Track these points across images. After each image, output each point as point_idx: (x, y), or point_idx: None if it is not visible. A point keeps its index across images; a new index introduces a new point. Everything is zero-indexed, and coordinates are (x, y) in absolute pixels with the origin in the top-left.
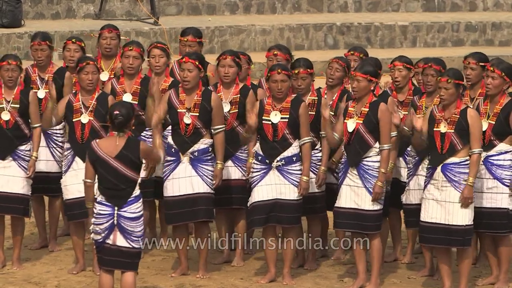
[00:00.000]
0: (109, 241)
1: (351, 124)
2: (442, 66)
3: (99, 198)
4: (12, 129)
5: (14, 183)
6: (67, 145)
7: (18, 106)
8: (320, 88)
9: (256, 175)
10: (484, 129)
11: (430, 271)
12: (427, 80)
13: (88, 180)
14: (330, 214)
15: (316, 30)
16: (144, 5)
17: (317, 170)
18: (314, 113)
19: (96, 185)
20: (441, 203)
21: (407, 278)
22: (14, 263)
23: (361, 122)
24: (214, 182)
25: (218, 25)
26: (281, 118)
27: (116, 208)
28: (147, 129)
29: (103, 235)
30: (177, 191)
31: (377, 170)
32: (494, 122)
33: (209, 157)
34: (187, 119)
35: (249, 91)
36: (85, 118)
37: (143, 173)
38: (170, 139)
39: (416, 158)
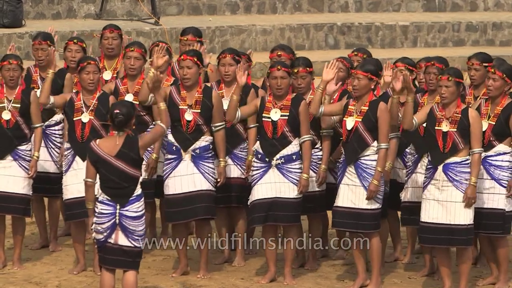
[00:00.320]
0: (111, 240)
1: (350, 122)
2: (445, 65)
3: (101, 197)
4: (12, 129)
5: (15, 183)
6: (66, 145)
7: (19, 105)
8: None
9: (256, 173)
10: (484, 129)
11: (430, 270)
12: (429, 78)
13: (89, 180)
14: (330, 214)
15: (316, 30)
16: (145, 5)
17: (317, 169)
18: None
19: (97, 185)
20: (442, 203)
21: (408, 278)
22: (15, 263)
23: (360, 120)
24: (216, 179)
25: (218, 25)
26: (281, 115)
27: (118, 207)
28: (147, 129)
29: (105, 234)
30: (179, 189)
31: (375, 168)
32: (494, 123)
33: (210, 155)
34: (188, 116)
35: (250, 89)
36: (85, 117)
37: (144, 174)
38: (170, 137)
39: (415, 156)
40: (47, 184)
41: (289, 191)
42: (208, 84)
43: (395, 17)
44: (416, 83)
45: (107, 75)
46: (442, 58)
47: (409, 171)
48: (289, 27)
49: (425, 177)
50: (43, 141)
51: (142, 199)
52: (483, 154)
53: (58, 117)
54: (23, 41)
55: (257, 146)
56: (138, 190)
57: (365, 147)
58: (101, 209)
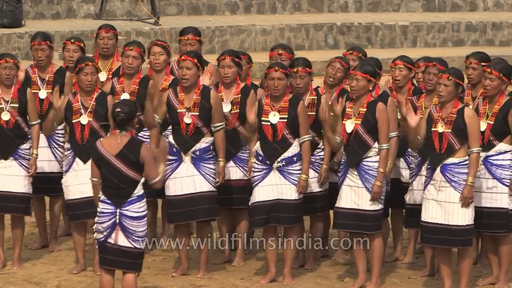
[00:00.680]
0: (111, 240)
1: (349, 125)
2: (445, 67)
3: (102, 196)
4: (12, 128)
5: (15, 183)
6: (67, 145)
7: (17, 105)
8: (318, 87)
9: (257, 175)
10: (483, 129)
11: (431, 271)
12: (428, 78)
13: (94, 179)
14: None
15: (316, 30)
16: (145, 5)
17: (319, 169)
18: (314, 113)
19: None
20: (441, 203)
21: (408, 278)
22: (15, 263)
23: (360, 122)
24: (216, 180)
25: (218, 25)
26: (280, 118)
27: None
28: (144, 129)
29: (105, 233)
30: (179, 191)
31: (377, 170)
32: (493, 123)
33: (210, 156)
34: (187, 119)
35: (250, 90)
36: (84, 119)
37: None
38: (171, 138)
39: (419, 159)
40: (52, 184)
41: (291, 193)
42: (206, 83)
43: (394, 17)
44: (415, 81)
45: (102, 76)
46: (444, 60)
47: (413, 173)
48: (289, 27)
49: (425, 177)
50: (46, 142)
51: (144, 200)
52: (484, 154)
53: None
54: (22, 41)
55: (257, 147)
56: (139, 191)
57: (366, 150)
58: (102, 208)
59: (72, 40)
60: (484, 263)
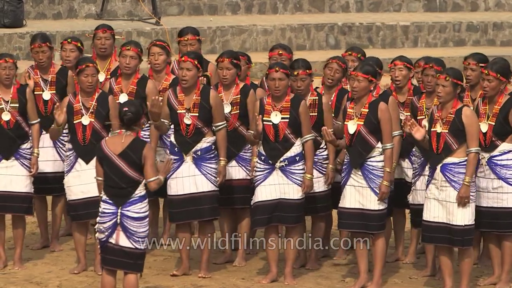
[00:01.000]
0: (112, 240)
1: (352, 126)
2: (443, 67)
3: (104, 196)
4: (13, 128)
5: (17, 182)
6: (69, 146)
7: (17, 105)
8: (317, 88)
9: (260, 175)
10: (484, 130)
11: (432, 271)
12: (427, 80)
13: (99, 178)
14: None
15: (317, 30)
16: (146, 5)
17: (323, 169)
18: (316, 113)
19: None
20: (442, 203)
21: (409, 278)
22: (16, 263)
23: (362, 123)
24: (218, 179)
25: (219, 25)
26: (282, 118)
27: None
28: (145, 129)
29: (106, 233)
30: (181, 190)
31: (381, 169)
32: (494, 123)
33: (212, 155)
34: (187, 120)
35: (250, 90)
36: (86, 120)
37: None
38: (172, 138)
39: (422, 159)
40: (57, 184)
41: (293, 192)
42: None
43: (395, 17)
44: (415, 81)
45: (100, 76)
46: (441, 60)
47: (416, 173)
48: (290, 27)
49: (427, 177)
50: (51, 142)
51: (146, 200)
52: (488, 155)
53: None
54: (23, 41)
55: (260, 147)
56: (141, 192)
57: (370, 150)
58: (104, 208)
59: (69, 40)
60: (486, 263)
